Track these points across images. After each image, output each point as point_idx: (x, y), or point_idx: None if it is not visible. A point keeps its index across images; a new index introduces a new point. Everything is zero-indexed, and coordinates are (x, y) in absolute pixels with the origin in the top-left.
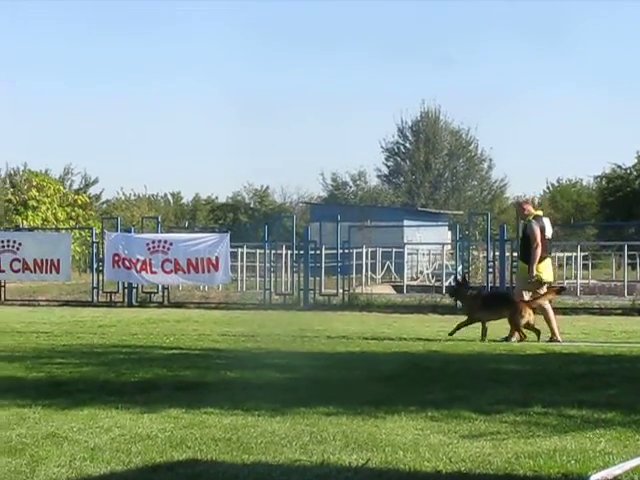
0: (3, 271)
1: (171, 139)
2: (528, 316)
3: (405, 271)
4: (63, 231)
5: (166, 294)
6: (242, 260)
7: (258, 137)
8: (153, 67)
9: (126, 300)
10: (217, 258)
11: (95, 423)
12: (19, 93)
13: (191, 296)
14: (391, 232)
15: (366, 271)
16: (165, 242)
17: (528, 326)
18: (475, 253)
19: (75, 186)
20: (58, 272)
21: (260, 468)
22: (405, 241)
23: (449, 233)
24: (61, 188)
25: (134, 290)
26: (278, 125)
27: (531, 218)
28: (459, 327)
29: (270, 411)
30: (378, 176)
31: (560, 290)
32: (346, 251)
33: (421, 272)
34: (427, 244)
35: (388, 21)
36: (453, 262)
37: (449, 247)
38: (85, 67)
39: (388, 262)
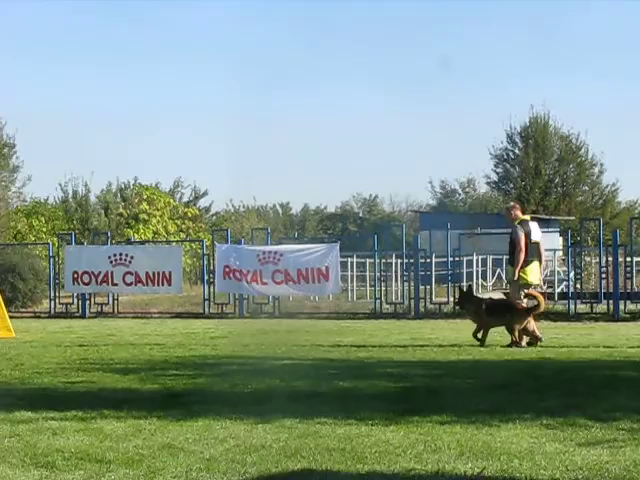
0: (116, 284)
1: (279, 151)
2: (525, 322)
3: None
4: (174, 244)
5: (277, 305)
6: (352, 270)
7: (365, 146)
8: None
9: (237, 311)
10: (327, 268)
11: (210, 434)
12: (127, 108)
13: (302, 306)
14: (501, 239)
15: (477, 279)
16: (275, 253)
17: (526, 332)
18: (587, 259)
19: (185, 199)
20: (170, 284)
21: (375, 478)
22: None
23: (560, 239)
24: (171, 201)
25: (245, 301)
26: (386, 134)
27: (517, 223)
28: (478, 336)
29: (383, 420)
30: (487, 183)
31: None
32: (456, 259)
33: None
34: None
35: (493, 26)
36: (565, 268)
37: (560, 253)
38: (192, 84)
39: (499, 269)
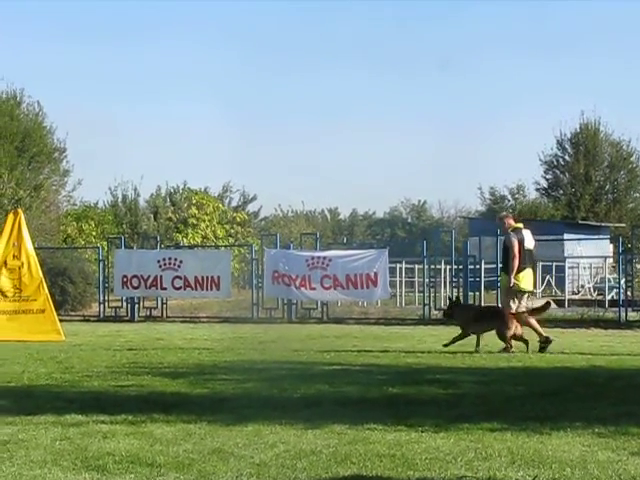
0: (165, 288)
1: (328, 156)
2: (514, 328)
3: (566, 285)
4: (223, 248)
5: (325, 310)
6: (401, 275)
7: (414, 152)
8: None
9: (286, 316)
10: (376, 274)
11: (260, 439)
12: (178, 114)
13: (350, 312)
14: (551, 246)
15: None
16: (324, 258)
17: (515, 337)
18: (638, 266)
19: (234, 203)
20: (218, 289)
21: None
22: (566, 255)
23: (611, 246)
24: (220, 205)
25: (293, 306)
26: (435, 138)
27: (510, 230)
28: (454, 340)
29: (434, 427)
30: (537, 189)
31: (546, 306)
32: None
33: (582, 286)
34: (588, 257)
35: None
36: (615, 275)
37: (611, 260)
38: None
39: (548, 276)
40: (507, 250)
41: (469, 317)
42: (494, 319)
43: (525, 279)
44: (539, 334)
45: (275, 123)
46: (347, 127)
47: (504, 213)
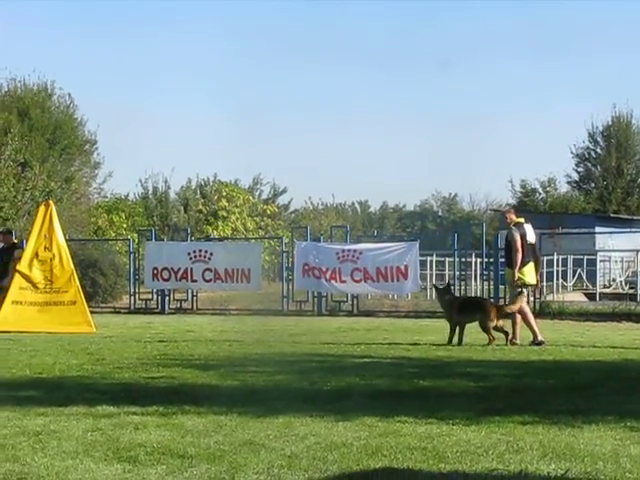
0: (195, 281)
1: (357, 148)
2: (496, 319)
3: (597, 278)
4: (253, 241)
5: (355, 303)
6: (431, 268)
7: (445, 145)
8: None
9: (316, 309)
10: (406, 267)
11: (290, 431)
12: (206, 105)
13: (380, 305)
14: (582, 239)
15: (557, 279)
16: (355, 251)
17: (496, 328)
18: None
19: (264, 196)
20: (249, 281)
21: (457, 477)
22: (597, 248)
23: None
24: (250, 198)
25: (324, 299)
26: (466, 132)
27: (512, 225)
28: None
29: (464, 420)
30: (568, 182)
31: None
32: None
33: (614, 279)
34: (620, 251)
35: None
36: None
37: None
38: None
39: (579, 269)
40: (510, 245)
41: (453, 309)
42: (478, 311)
43: (528, 273)
44: (514, 332)
45: (300, 118)
46: (378, 121)
47: (506, 208)
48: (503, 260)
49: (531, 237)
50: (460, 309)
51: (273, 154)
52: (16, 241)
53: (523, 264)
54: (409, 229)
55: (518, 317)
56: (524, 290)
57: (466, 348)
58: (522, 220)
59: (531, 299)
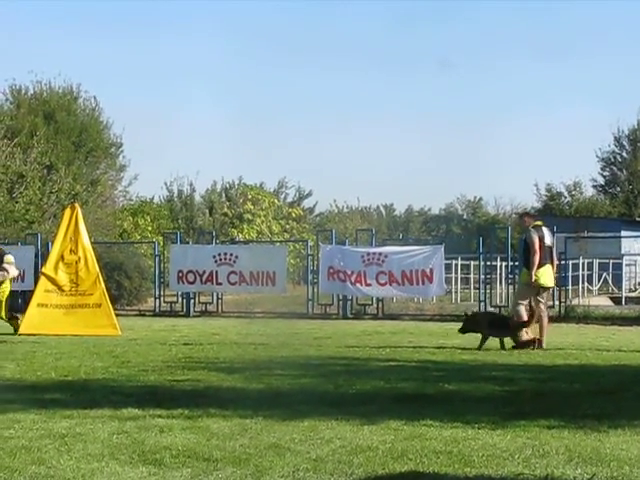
0: (220, 284)
1: (382, 152)
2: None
3: (623, 282)
4: (278, 244)
5: (380, 306)
6: (456, 272)
7: (469, 148)
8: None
9: (341, 312)
10: (431, 270)
11: (316, 434)
12: (235, 109)
13: (405, 308)
14: (608, 243)
15: (582, 283)
16: (380, 254)
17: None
18: None
19: (289, 199)
20: (274, 284)
21: None
22: (623, 252)
23: None
24: (275, 201)
25: (349, 302)
26: (490, 136)
27: (531, 228)
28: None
29: (490, 424)
30: (594, 186)
31: None
32: (562, 262)
33: (639, 283)
34: None
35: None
36: None
37: None
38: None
39: (605, 273)
40: (527, 246)
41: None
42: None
43: (545, 275)
44: (540, 334)
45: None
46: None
47: (523, 211)
48: (519, 263)
49: (548, 240)
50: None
51: (297, 157)
52: None
53: (540, 266)
54: (434, 232)
55: (545, 321)
56: (536, 292)
57: (491, 352)
58: (540, 223)
59: (555, 302)
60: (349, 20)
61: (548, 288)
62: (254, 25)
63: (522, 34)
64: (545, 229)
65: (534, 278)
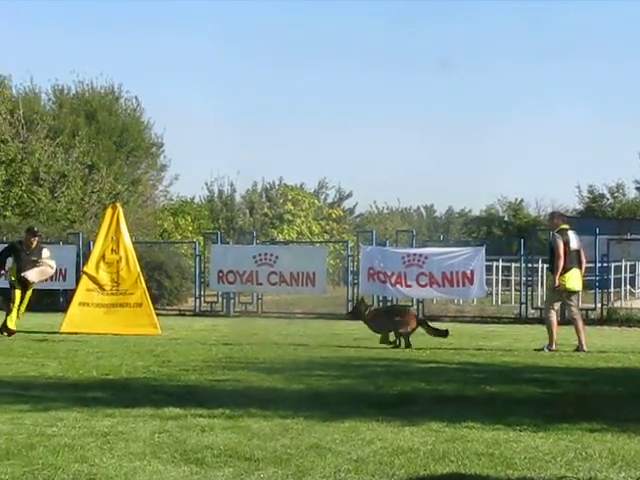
0: (261, 284)
1: (424, 154)
2: (413, 325)
3: None
4: (318, 244)
5: (421, 307)
6: (497, 274)
7: (511, 149)
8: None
9: None
10: (472, 272)
11: (357, 435)
12: (272, 108)
13: (446, 309)
14: None
15: (625, 285)
16: (420, 256)
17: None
18: None
19: (329, 200)
20: (314, 285)
21: None
22: None
23: None
24: (316, 202)
25: (389, 303)
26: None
27: (556, 232)
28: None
29: (532, 426)
30: (637, 188)
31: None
32: (604, 265)
33: None
34: None
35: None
36: None
37: None
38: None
39: None
40: (553, 250)
41: (377, 317)
42: (396, 318)
43: (571, 279)
44: (578, 337)
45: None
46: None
47: (554, 212)
48: (547, 266)
49: (574, 244)
50: (384, 317)
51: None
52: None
53: (566, 270)
54: (474, 234)
55: (580, 323)
56: (564, 297)
57: (532, 354)
58: (567, 227)
59: (597, 305)
60: (349, 20)
61: (576, 292)
62: (254, 25)
63: (522, 34)
64: (571, 232)
65: (557, 283)
